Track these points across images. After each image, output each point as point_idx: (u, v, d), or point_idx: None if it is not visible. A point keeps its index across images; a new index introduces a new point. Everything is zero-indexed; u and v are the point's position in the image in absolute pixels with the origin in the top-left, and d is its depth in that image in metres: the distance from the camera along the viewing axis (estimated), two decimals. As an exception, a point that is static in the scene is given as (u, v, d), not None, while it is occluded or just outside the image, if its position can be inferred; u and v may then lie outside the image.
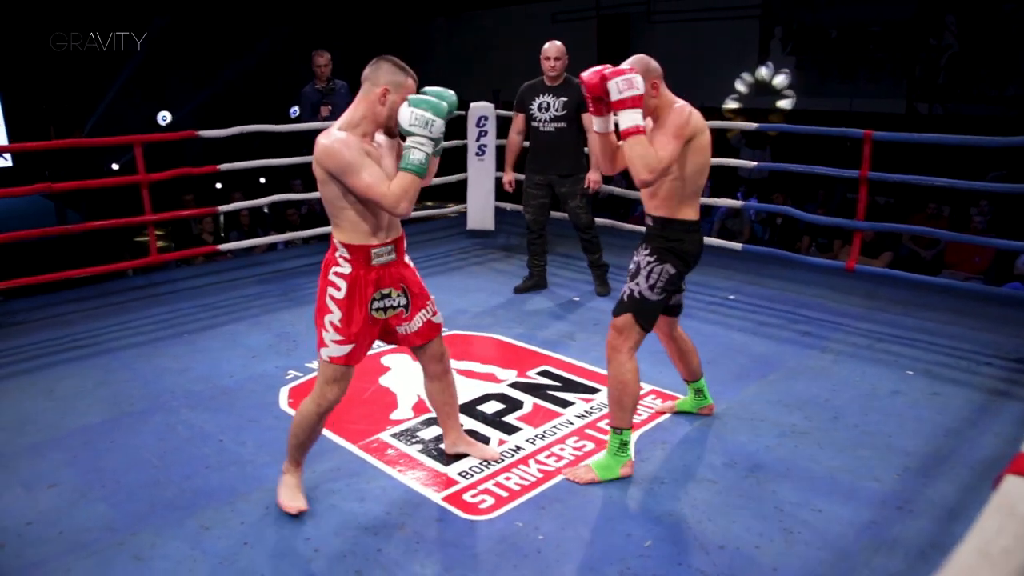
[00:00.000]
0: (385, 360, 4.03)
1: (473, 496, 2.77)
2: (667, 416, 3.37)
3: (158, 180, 5.09)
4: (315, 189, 6.57)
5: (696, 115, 2.71)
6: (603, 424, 3.28)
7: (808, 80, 10.93)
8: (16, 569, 2.43)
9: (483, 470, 2.94)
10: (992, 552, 0.58)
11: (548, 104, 4.84)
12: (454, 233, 6.84)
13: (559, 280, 5.44)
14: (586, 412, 3.42)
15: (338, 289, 2.52)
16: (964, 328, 4.36)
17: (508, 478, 2.89)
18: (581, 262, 5.82)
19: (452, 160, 6.69)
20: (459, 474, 2.92)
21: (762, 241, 8.15)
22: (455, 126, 6.52)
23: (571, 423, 3.32)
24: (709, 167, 2.82)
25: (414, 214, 7.23)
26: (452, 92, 2.51)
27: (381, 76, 2.45)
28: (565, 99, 4.83)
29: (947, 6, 9.39)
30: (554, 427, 3.29)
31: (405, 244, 2.67)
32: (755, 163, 5.95)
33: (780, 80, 11.04)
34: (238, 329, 4.55)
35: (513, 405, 3.50)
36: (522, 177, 5.16)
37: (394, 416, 3.41)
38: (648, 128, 2.73)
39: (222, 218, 9.10)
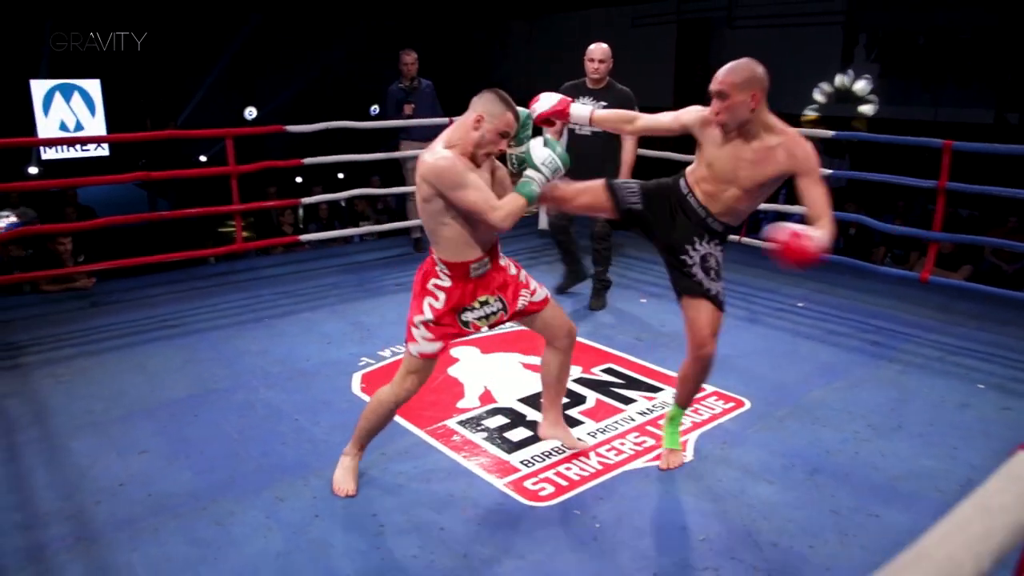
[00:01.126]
0: (454, 351, 4.16)
1: (534, 484, 2.87)
2: (730, 416, 3.40)
3: (245, 172, 5.34)
4: (392, 185, 6.72)
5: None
6: (663, 422, 3.33)
7: (893, 88, 10.67)
8: (110, 525, 2.64)
9: (544, 460, 3.04)
10: (991, 506, 0.65)
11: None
12: (527, 232, 6.95)
13: (627, 281, 5.49)
14: (648, 410, 3.48)
15: (436, 299, 2.64)
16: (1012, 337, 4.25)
17: (568, 468, 2.97)
18: (647, 263, 5.87)
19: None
20: (521, 462, 3.02)
21: (836, 250, 8.01)
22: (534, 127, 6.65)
23: (632, 419, 3.39)
24: None
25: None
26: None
27: (480, 104, 2.52)
28: (605, 103, 4.74)
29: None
30: (615, 422, 3.36)
31: (499, 247, 2.78)
32: (830, 171, 5.87)
33: (862, 87, 10.81)
34: (315, 317, 4.75)
35: (577, 400, 3.58)
36: None
37: (460, 405, 3.54)
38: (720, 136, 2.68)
39: (301, 211, 9.44)
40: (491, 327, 2.80)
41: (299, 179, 12.59)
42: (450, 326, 2.68)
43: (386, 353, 4.15)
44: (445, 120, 6.21)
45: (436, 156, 2.48)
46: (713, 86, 2.60)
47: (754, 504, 2.72)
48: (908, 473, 2.95)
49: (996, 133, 8.90)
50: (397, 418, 3.34)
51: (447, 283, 2.63)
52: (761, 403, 3.53)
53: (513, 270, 2.83)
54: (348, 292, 5.25)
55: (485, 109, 2.50)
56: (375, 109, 13.61)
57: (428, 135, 6.12)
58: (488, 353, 4.16)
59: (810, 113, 11.31)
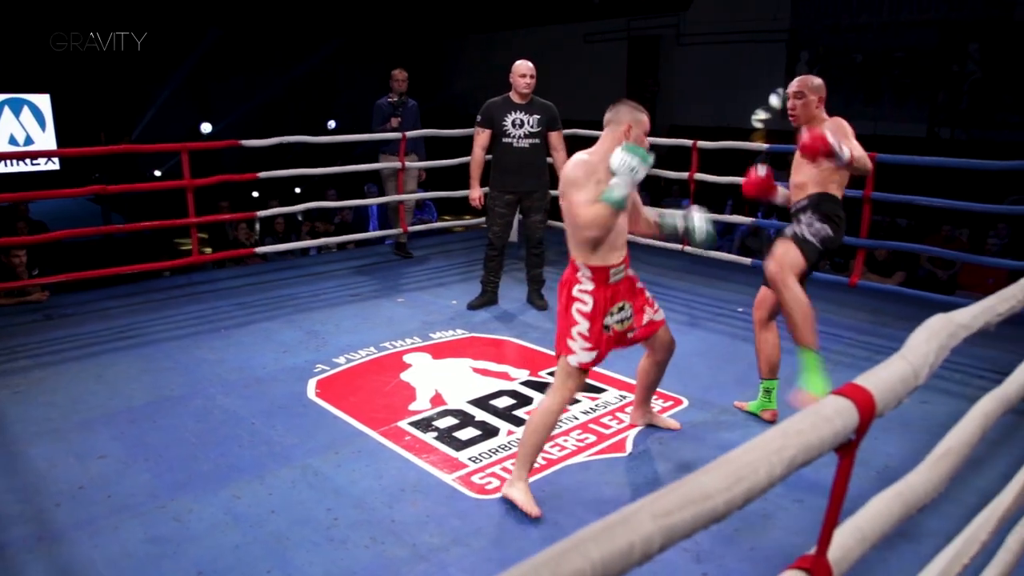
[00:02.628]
0: (407, 358, 4.30)
1: (481, 478, 3.03)
2: (668, 414, 3.59)
3: (202, 185, 5.43)
4: (349, 198, 6.82)
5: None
6: (606, 420, 3.52)
7: (833, 103, 11.07)
8: (71, 525, 2.73)
9: (491, 456, 3.20)
10: (790, 431, 0.82)
11: (522, 121, 4.95)
12: (479, 244, 7.11)
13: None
14: (591, 409, 3.66)
15: (584, 304, 2.83)
16: (963, 343, 4.51)
17: (514, 464, 3.13)
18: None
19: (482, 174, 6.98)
20: (469, 459, 3.18)
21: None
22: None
23: (576, 418, 3.56)
24: None
25: (440, 225, 7.53)
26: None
27: (624, 116, 2.84)
28: (538, 116, 4.98)
29: (970, 34, 9.54)
30: (560, 421, 3.52)
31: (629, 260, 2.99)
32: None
33: (773, 100, 11.23)
34: (271, 326, 4.86)
35: (523, 401, 3.75)
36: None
37: (412, 407, 3.68)
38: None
39: (257, 224, 9.49)
40: (626, 334, 2.99)
41: (255, 193, 12.62)
42: (601, 333, 2.84)
43: (341, 360, 4.27)
44: (425, 133, 6.47)
45: (575, 158, 2.81)
46: (791, 89, 3.38)
47: (687, 492, 2.91)
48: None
49: (928, 147, 9.33)
50: (351, 420, 3.50)
51: (590, 287, 2.83)
52: (698, 402, 3.74)
53: (640, 284, 3.07)
54: (304, 302, 5.36)
55: (631, 117, 2.83)
56: (332, 124, 13.72)
57: (409, 150, 6.37)
58: (439, 359, 4.31)
59: (758, 125, 11.70)
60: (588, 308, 2.82)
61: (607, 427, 3.48)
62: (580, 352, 2.83)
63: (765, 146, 5.87)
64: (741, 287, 5.65)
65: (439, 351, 4.43)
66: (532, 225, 5.16)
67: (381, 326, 4.85)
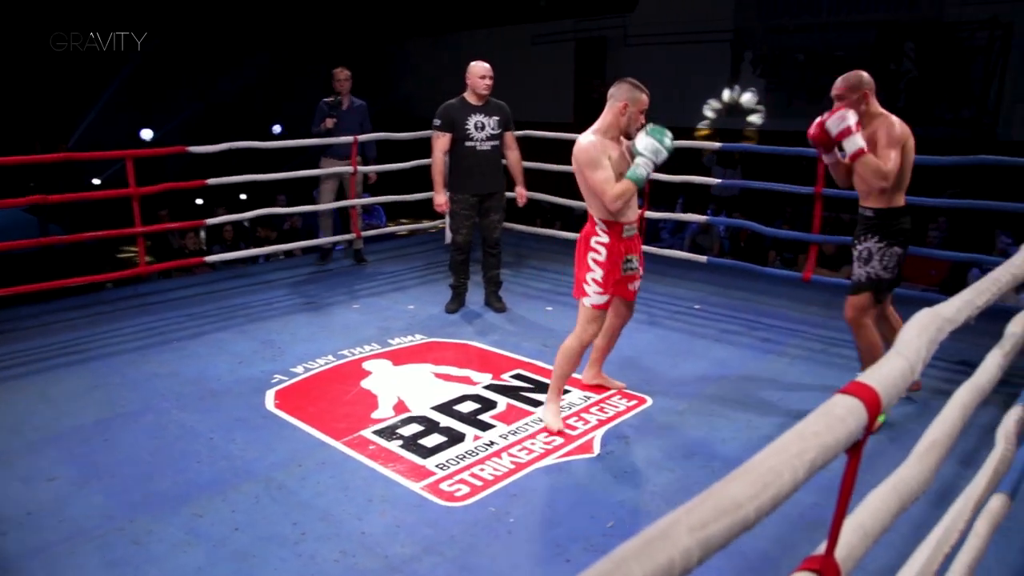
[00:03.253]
0: (367, 365, 4.23)
1: (449, 485, 2.98)
2: (633, 413, 3.60)
3: (147, 194, 5.26)
4: (299, 204, 6.68)
5: (903, 124, 3.27)
6: (572, 421, 3.51)
7: (777, 102, 11.32)
8: (19, 554, 2.60)
9: (459, 463, 3.15)
10: (806, 433, 0.81)
11: (483, 123, 4.94)
12: (433, 248, 7.07)
13: (532, 292, 5.67)
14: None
15: (599, 254, 3.27)
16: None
17: (482, 469, 3.10)
18: (554, 273, 6.07)
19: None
20: (437, 466, 3.13)
21: (730, 256, 8.44)
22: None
23: (541, 421, 3.53)
24: (913, 164, 3.34)
25: (392, 229, 7.45)
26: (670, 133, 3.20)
27: (622, 93, 3.19)
28: (498, 118, 4.99)
29: (906, 33, 9.81)
30: (525, 424, 3.50)
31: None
32: (719, 180, 6.23)
33: (748, 100, 11.43)
34: (224, 337, 4.73)
35: (488, 405, 3.71)
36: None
37: (375, 415, 3.61)
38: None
39: (203, 233, 9.27)
40: (627, 284, 3.44)
41: (200, 201, 12.33)
42: (612, 279, 3.28)
43: (298, 369, 4.18)
44: (375, 137, 6.33)
45: (584, 138, 3.18)
46: (833, 92, 3.37)
47: (657, 491, 2.91)
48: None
49: (870, 143, 9.54)
50: (313, 431, 3.43)
51: (605, 239, 3.26)
52: (662, 400, 3.75)
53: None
54: (257, 311, 5.23)
55: (628, 96, 3.18)
56: (278, 128, 13.48)
57: (347, 153, 6.19)
58: (400, 365, 4.25)
59: (704, 123, 11.87)
60: (602, 258, 3.26)
61: (573, 428, 3.46)
62: (593, 295, 3.29)
63: (717, 145, 5.93)
64: (696, 284, 5.71)
65: (399, 357, 4.37)
66: (490, 225, 5.13)
67: (338, 333, 4.76)
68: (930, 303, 3.83)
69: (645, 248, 5.83)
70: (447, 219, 6.79)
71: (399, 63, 16.19)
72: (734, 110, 11.60)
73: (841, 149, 3.38)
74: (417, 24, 15.23)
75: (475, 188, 5.00)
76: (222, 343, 4.62)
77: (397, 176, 6.82)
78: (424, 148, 6.96)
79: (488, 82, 4.93)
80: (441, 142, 4.93)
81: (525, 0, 13.86)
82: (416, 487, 2.97)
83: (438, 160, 4.95)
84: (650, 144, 3.12)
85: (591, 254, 3.29)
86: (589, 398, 3.77)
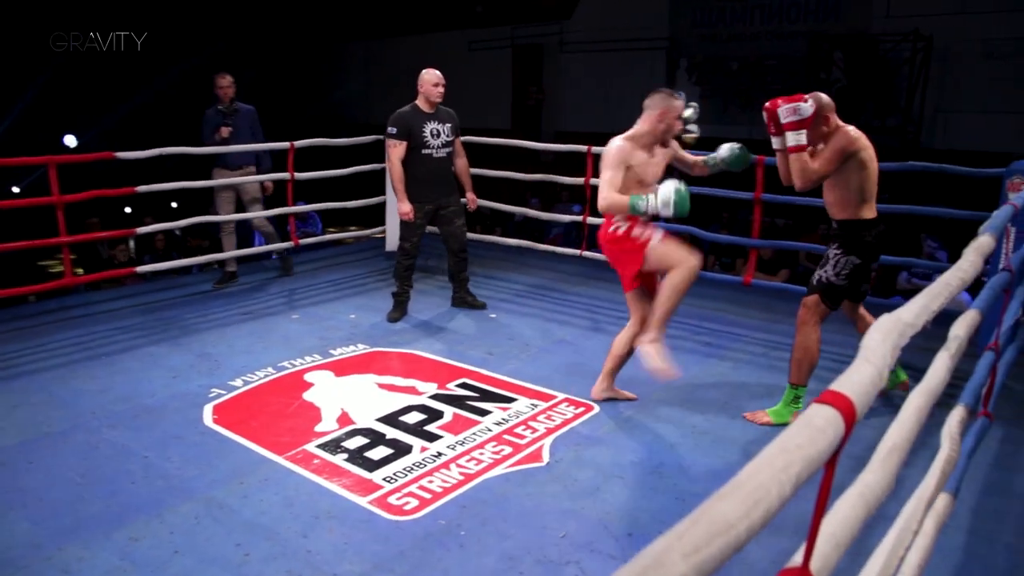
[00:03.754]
0: (308, 376, 4.13)
1: (398, 499, 2.92)
2: (580, 420, 3.59)
3: (72, 202, 5.05)
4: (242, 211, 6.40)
5: (857, 135, 3.32)
6: (519, 430, 3.48)
7: (712, 109, 11.53)
8: (-61, 586, 2.44)
9: (407, 475, 3.09)
10: (790, 446, 0.80)
11: (439, 131, 4.93)
12: (373, 255, 6.97)
13: (480, 298, 5.63)
14: (503, 420, 3.60)
15: (620, 228, 3.44)
16: (849, 336, 4.72)
17: (431, 481, 3.04)
18: (497, 280, 6.04)
19: (371, 184, 6.84)
20: (384, 479, 3.06)
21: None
22: (375, 150, 6.68)
23: (489, 430, 3.50)
24: (876, 176, 3.41)
25: (332, 236, 7.31)
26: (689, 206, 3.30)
27: (657, 103, 3.38)
28: (450, 124, 5.00)
29: (835, 44, 10.12)
30: (473, 434, 3.46)
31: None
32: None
33: (688, 114, 11.60)
34: (158, 350, 4.56)
35: (434, 415, 3.65)
36: None
37: (319, 428, 3.52)
38: (819, 150, 3.38)
39: (133, 242, 8.97)
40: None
41: (128, 209, 11.95)
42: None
43: (237, 383, 4.05)
44: (267, 146, 6.13)
45: (614, 140, 3.36)
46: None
47: (608, 499, 2.90)
48: (741, 458, 3.23)
49: (802, 149, 9.80)
50: (254, 447, 3.32)
51: (624, 224, 3.43)
52: (608, 406, 3.75)
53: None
54: (191, 323, 5.07)
55: (664, 105, 3.39)
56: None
57: (245, 162, 5.92)
58: (343, 376, 4.16)
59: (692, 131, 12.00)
60: (624, 227, 3.43)
61: (521, 437, 3.43)
62: (643, 237, 3.41)
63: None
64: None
65: (342, 368, 4.28)
66: (457, 231, 5.13)
67: (277, 345, 4.64)
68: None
69: (587, 254, 5.90)
70: (388, 226, 6.72)
71: (335, 68, 15.98)
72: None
73: (781, 135, 3.39)
74: (353, 29, 15.05)
75: (432, 196, 4.98)
76: (155, 357, 4.45)
77: (334, 183, 6.70)
78: (360, 154, 6.90)
79: (441, 90, 4.93)
80: (398, 150, 4.86)
81: (462, 6, 13.84)
82: (363, 502, 2.90)
83: (397, 168, 4.87)
84: (668, 199, 3.24)
85: (619, 237, 3.45)
86: (536, 406, 3.75)
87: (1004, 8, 9.04)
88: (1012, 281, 2.91)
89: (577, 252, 5.94)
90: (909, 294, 6.80)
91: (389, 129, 4.88)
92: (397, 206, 4.96)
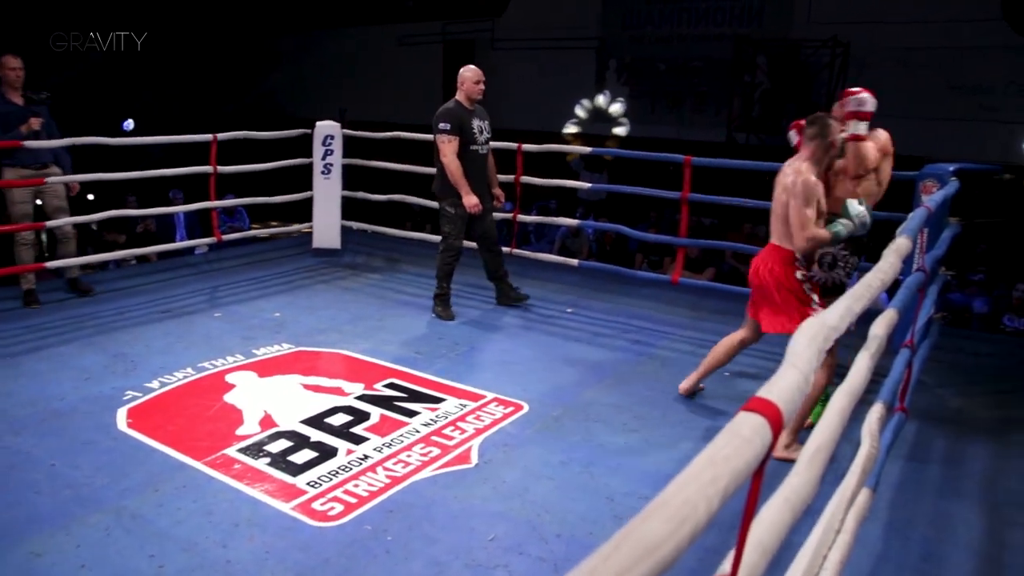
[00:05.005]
0: (230, 377, 3.99)
1: (322, 504, 2.83)
2: (510, 420, 3.56)
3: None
4: (151, 205, 6.20)
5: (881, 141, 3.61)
6: (448, 431, 3.43)
7: (641, 109, 11.69)
8: None
9: (332, 479, 3.01)
10: (716, 458, 0.78)
11: (482, 128, 4.93)
12: (300, 252, 6.80)
13: (406, 298, 5.56)
14: (431, 420, 3.54)
15: (808, 281, 3.34)
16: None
17: (356, 485, 2.96)
18: (430, 279, 5.97)
19: (297, 178, 6.68)
20: (308, 484, 2.97)
21: (597, 258, 8.61)
22: (303, 144, 6.52)
23: (417, 431, 3.43)
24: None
25: (257, 232, 7.11)
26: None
27: (830, 131, 3.26)
28: (488, 121, 5.00)
29: (759, 48, 10.35)
30: (401, 436, 3.39)
31: None
32: (590, 184, 6.33)
33: (616, 108, 11.72)
34: (68, 351, 4.34)
35: (360, 417, 3.57)
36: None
37: (240, 432, 3.40)
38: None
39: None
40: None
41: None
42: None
43: (154, 384, 3.88)
44: (250, 135, 5.95)
45: (805, 170, 3.22)
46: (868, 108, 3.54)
47: (537, 500, 2.88)
48: (671, 456, 3.25)
49: (728, 151, 10.02)
50: (172, 452, 3.19)
51: (809, 281, 3.35)
52: (538, 405, 3.72)
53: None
54: (106, 321, 4.84)
55: (834, 136, 3.27)
56: (128, 124, 12.66)
57: (46, 160, 5.20)
58: (266, 376, 4.03)
59: (571, 128, 12.07)
60: (809, 285, 3.33)
61: (450, 438, 3.38)
62: (816, 304, 3.31)
63: (587, 149, 6.02)
64: (568, 287, 5.75)
65: (265, 368, 4.15)
66: (491, 228, 5.12)
67: (198, 344, 4.47)
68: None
69: (517, 251, 5.88)
70: (315, 222, 6.56)
71: (264, 61, 15.60)
72: (600, 116, 11.87)
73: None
74: (282, 21, 14.71)
75: (475, 191, 4.92)
76: (65, 358, 4.24)
77: (261, 176, 6.51)
78: (290, 148, 6.72)
79: (483, 87, 4.91)
80: (453, 145, 4.81)
81: (392, 1, 13.67)
82: (286, 508, 2.81)
83: (455, 163, 4.81)
84: (863, 216, 3.28)
85: (805, 286, 3.32)
86: (465, 406, 3.70)
87: (918, 19, 9.40)
88: (926, 281, 3.00)
89: (507, 250, 5.90)
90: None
91: (442, 125, 4.81)
92: (464, 201, 4.86)
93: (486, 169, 5.06)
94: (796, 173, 3.24)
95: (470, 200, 4.86)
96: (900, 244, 2.18)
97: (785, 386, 1.00)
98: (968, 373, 4.22)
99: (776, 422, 0.92)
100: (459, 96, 4.90)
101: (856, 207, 3.31)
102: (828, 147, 3.28)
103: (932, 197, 3.72)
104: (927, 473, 3.19)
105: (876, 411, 2.22)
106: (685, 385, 3.87)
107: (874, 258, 2.29)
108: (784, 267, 3.31)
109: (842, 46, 9.72)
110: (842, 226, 3.26)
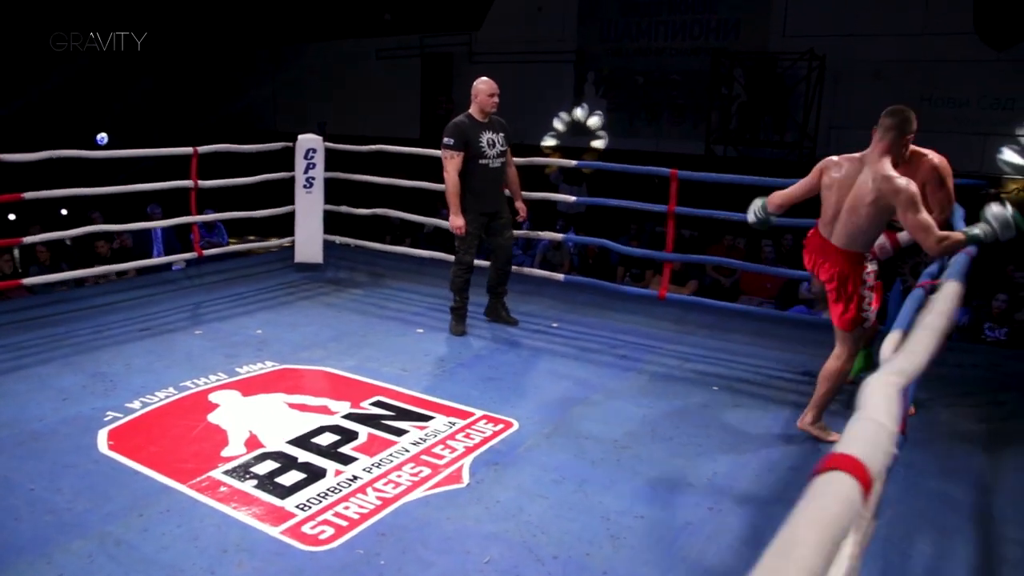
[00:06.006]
0: (213, 397, 3.92)
1: (312, 528, 2.77)
2: (500, 438, 3.52)
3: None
4: (125, 220, 6.09)
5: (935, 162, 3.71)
6: (437, 449, 3.38)
7: (619, 122, 11.73)
8: None
9: (321, 501, 2.95)
10: (821, 523, 0.75)
11: (494, 140, 4.85)
12: (282, 267, 6.72)
13: (391, 313, 5.51)
14: (420, 439, 3.49)
15: (871, 278, 3.40)
16: (759, 347, 4.85)
17: (347, 507, 2.91)
18: (412, 293, 5.93)
19: (279, 193, 6.60)
20: (297, 507, 2.91)
21: (579, 272, 8.60)
22: (283, 158, 6.45)
23: (407, 450, 3.38)
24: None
25: (237, 247, 7.02)
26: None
27: (908, 125, 3.20)
28: (503, 134, 4.92)
29: (736, 61, 10.44)
30: (390, 455, 3.34)
31: None
32: (573, 198, 6.33)
33: (594, 121, 11.75)
34: (46, 371, 4.24)
35: (348, 436, 3.51)
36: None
37: (225, 453, 3.32)
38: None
39: (17, 252, 8.39)
40: None
41: (12, 216, 11.22)
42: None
43: (135, 404, 3.80)
44: (228, 148, 5.88)
45: (898, 176, 3.13)
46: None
47: (532, 520, 2.84)
48: (664, 473, 3.23)
49: (706, 163, 10.07)
50: (155, 475, 3.12)
51: (873, 266, 3.42)
52: (528, 422, 3.69)
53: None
54: (84, 340, 4.74)
55: (911, 129, 3.21)
56: (102, 138, 12.48)
57: None
58: (249, 395, 3.96)
59: (549, 141, 12.08)
60: (871, 271, 3.40)
61: (440, 457, 3.33)
62: (870, 308, 3.43)
63: (572, 162, 6.01)
64: (552, 302, 5.73)
65: (249, 387, 4.08)
66: (506, 244, 5.05)
67: (179, 363, 4.39)
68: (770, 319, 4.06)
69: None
70: (297, 237, 6.48)
71: (242, 75, 15.48)
72: (578, 129, 11.90)
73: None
74: (260, 34, 14.61)
75: (487, 206, 4.88)
76: (43, 378, 4.14)
77: (240, 191, 6.42)
78: (268, 162, 6.64)
79: (496, 100, 4.85)
80: (455, 161, 4.73)
81: (370, 14, 13.63)
82: (275, 532, 2.74)
83: (454, 180, 4.74)
84: (1006, 219, 3.15)
85: (866, 284, 3.37)
86: (454, 424, 3.66)
87: (891, 32, 9.54)
88: (925, 297, 3.01)
89: (486, 263, 5.86)
90: (810, 303, 7.05)
91: (446, 140, 4.74)
92: (450, 219, 4.82)
93: (499, 182, 4.99)
94: (885, 180, 3.14)
95: (455, 221, 4.81)
96: (955, 289, 2.16)
97: (864, 437, 0.97)
98: (955, 384, 4.25)
99: (865, 479, 0.88)
100: (472, 109, 4.88)
101: (999, 211, 3.16)
102: (905, 143, 3.26)
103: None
104: (922, 488, 3.19)
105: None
106: (804, 421, 3.62)
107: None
108: (846, 265, 3.35)
109: (818, 59, 9.82)
110: (978, 230, 3.16)
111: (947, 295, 2.16)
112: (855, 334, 3.44)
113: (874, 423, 1.04)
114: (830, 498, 0.80)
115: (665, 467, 3.29)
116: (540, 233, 6.40)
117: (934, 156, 3.70)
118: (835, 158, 3.43)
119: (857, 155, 3.34)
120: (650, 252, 5.77)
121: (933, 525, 2.92)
